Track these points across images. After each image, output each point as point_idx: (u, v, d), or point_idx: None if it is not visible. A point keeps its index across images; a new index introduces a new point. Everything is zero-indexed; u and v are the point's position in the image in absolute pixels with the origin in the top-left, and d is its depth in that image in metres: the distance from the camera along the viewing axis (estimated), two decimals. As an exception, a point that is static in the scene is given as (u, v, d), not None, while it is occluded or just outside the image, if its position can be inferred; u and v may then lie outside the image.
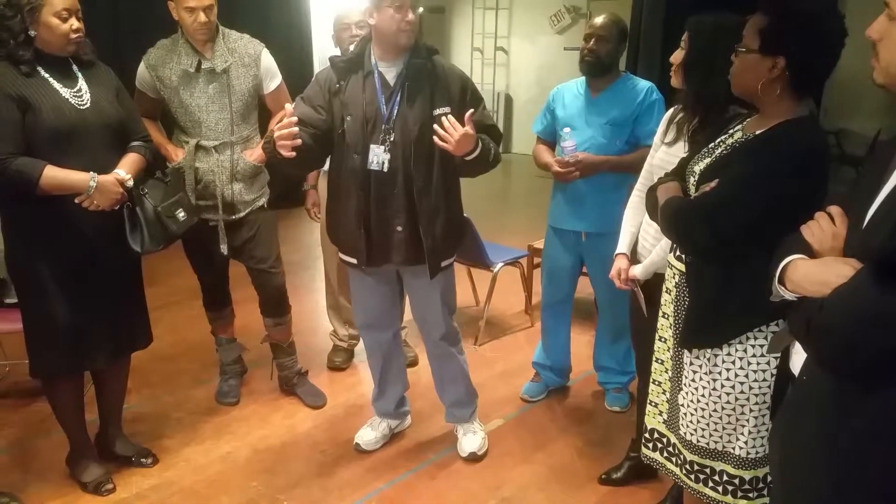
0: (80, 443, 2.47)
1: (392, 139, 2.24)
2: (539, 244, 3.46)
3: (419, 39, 2.30)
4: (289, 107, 2.16)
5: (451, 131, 2.14)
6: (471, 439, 2.70)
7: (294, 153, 2.14)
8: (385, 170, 2.25)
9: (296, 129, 2.11)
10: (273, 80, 2.75)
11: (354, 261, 2.41)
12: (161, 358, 3.28)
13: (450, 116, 2.16)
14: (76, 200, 2.11)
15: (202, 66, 2.56)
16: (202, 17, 2.48)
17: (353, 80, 2.28)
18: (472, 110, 2.21)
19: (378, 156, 2.25)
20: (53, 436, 2.59)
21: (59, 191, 2.08)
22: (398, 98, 2.26)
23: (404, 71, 2.26)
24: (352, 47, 2.88)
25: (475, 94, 2.38)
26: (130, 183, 2.21)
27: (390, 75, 2.28)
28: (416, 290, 2.51)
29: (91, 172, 2.11)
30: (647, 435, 1.95)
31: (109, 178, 2.15)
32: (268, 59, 2.73)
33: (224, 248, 2.73)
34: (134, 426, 2.76)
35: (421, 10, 2.25)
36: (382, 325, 2.62)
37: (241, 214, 2.74)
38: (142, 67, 2.63)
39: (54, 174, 2.04)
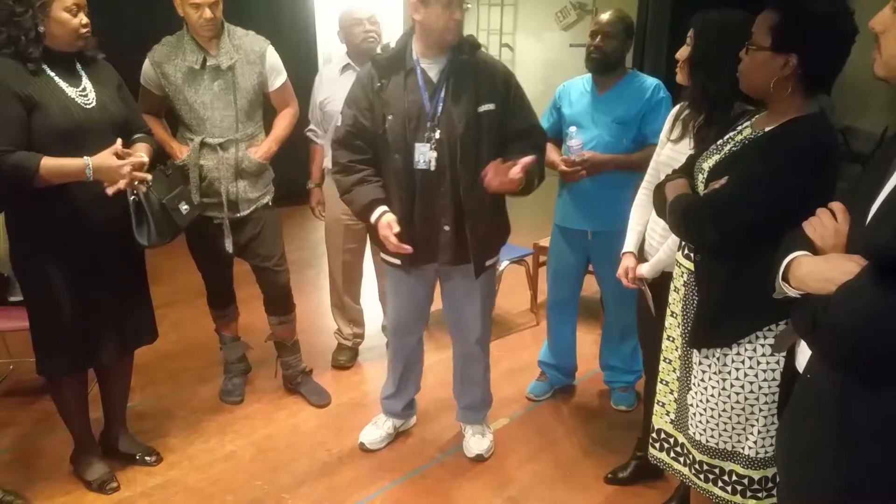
0: (85, 441, 2.47)
1: (437, 137, 2.21)
2: (545, 242, 3.44)
3: (461, 35, 2.27)
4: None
5: (501, 174, 2.10)
6: (479, 441, 2.69)
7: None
8: (432, 168, 2.22)
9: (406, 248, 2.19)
10: (278, 77, 2.74)
11: (398, 262, 2.37)
12: (165, 356, 3.28)
13: (495, 164, 2.12)
14: (108, 192, 2.08)
15: (207, 63, 2.55)
16: (207, 13, 2.47)
17: (395, 78, 2.24)
18: (530, 157, 2.13)
19: (424, 154, 2.21)
20: (58, 434, 2.59)
21: (58, 178, 2.04)
22: (442, 95, 2.22)
23: (447, 67, 2.23)
24: (371, 43, 2.89)
25: (518, 91, 2.33)
26: (146, 163, 2.18)
27: (433, 72, 2.24)
28: (456, 290, 2.48)
29: (84, 157, 2.06)
30: (654, 435, 1.93)
31: (102, 154, 2.08)
32: (273, 56, 2.71)
33: (229, 246, 2.72)
34: (138, 424, 2.76)
35: (468, 6, 2.21)
36: (411, 331, 2.61)
37: (246, 212, 2.73)
38: (147, 64, 2.61)
39: (51, 163, 2.02)
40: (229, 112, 2.61)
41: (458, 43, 2.24)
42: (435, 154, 2.21)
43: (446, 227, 2.28)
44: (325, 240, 3.33)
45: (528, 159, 2.12)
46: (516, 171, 2.10)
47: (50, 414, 2.59)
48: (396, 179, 2.26)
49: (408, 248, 2.20)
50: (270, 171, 2.82)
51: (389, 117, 2.23)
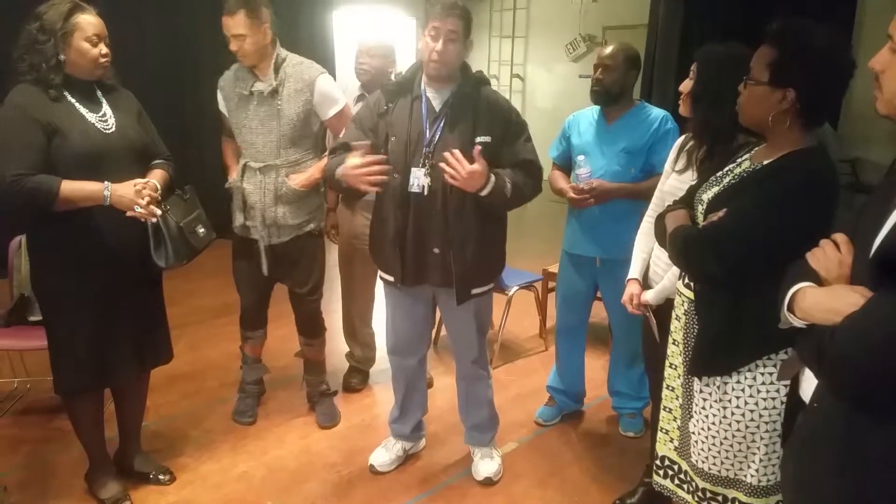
0: (99, 459, 2.50)
1: (432, 162, 2.28)
2: (554, 268, 3.48)
3: (467, 69, 2.35)
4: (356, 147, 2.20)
5: (458, 167, 2.13)
6: (487, 464, 2.71)
7: (378, 188, 2.23)
8: (425, 193, 2.29)
9: (380, 167, 2.20)
10: (332, 105, 2.75)
11: (392, 279, 2.45)
12: (179, 376, 3.33)
13: (455, 151, 2.15)
14: (128, 215, 2.13)
15: (253, 89, 2.65)
16: (234, 45, 2.58)
17: (401, 102, 2.34)
18: (478, 147, 2.19)
19: (419, 178, 2.29)
20: (73, 452, 2.64)
21: (78, 202, 2.10)
22: (441, 123, 2.30)
23: (450, 98, 2.31)
24: (361, 75, 3.00)
25: (517, 126, 2.36)
26: (159, 191, 2.24)
27: (437, 101, 2.33)
28: (450, 312, 2.53)
29: (105, 182, 2.12)
30: (658, 462, 1.95)
31: (124, 185, 2.14)
32: (325, 85, 2.72)
33: (265, 268, 2.78)
34: (152, 443, 2.80)
35: (471, 39, 2.30)
36: (410, 351, 2.65)
37: (286, 238, 2.77)
38: (218, 88, 2.77)
39: (70, 186, 2.07)
40: (272, 138, 2.68)
41: (465, 76, 2.32)
42: (429, 179, 2.28)
43: (435, 250, 2.34)
44: (337, 264, 3.40)
45: (477, 149, 2.16)
46: (475, 166, 2.13)
47: (66, 432, 2.64)
48: (392, 199, 2.34)
49: (366, 142, 2.25)
50: (318, 198, 2.84)
51: (392, 138, 2.32)
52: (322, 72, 2.74)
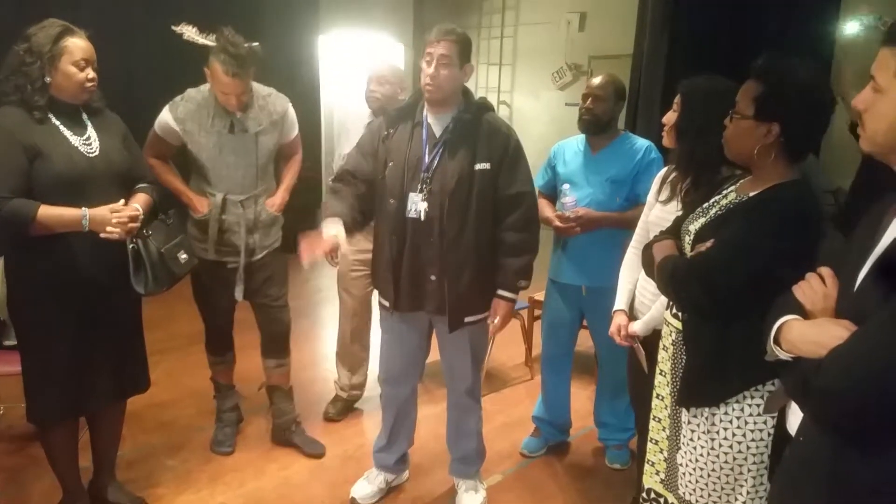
0: (73, 489, 2.44)
1: (429, 188, 2.28)
2: (539, 296, 3.47)
3: (469, 95, 2.37)
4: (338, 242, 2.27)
5: (493, 329, 2.44)
6: (472, 497, 2.66)
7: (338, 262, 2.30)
8: (422, 218, 2.29)
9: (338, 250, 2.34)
10: (292, 130, 2.83)
11: (387, 303, 2.44)
12: (156, 404, 3.26)
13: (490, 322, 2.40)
14: (101, 236, 2.10)
15: (235, 129, 2.63)
16: (234, 101, 2.55)
17: (402, 128, 2.35)
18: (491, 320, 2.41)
19: (416, 204, 2.29)
20: (46, 480, 2.56)
21: (55, 227, 2.07)
22: (441, 149, 2.30)
23: (451, 124, 2.32)
24: (371, 102, 3.02)
25: (515, 155, 2.35)
26: (141, 216, 2.21)
27: (437, 127, 2.33)
28: (446, 339, 2.51)
29: (83, 208, 2.09)
30: (644, 495, 1.93)
31: (101, 209, 2.12)
32: (292, 114, 2.81)
33: (239, 294, 2.76)
34: (127, 473, 2.73)
35: (470, 64, 2.31)
36: (403, 380, 2.62)
37: (259, 257, 2.79)
38: (168, 117, 2.63)
39: (48, 212, 2.04)
40: (251, 171, 2.69)
41: (467, 103, 2.33)
42: (426, 205, 2.28)
43: (432, 277, 2.33)
44: (336, 287, 3.37)
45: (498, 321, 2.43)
46: (497, 321, 2.41)
47: (39, 460, 2.56)
48: (389, 224, 2.34)
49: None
50: (281, 218, 2.89)
51: (391, 164, 2.32)
52: (287, 101, 2.81)
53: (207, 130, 2.62)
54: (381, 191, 2.36)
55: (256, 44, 2.57)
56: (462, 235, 2.28)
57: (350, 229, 2.31)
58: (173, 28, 2.60)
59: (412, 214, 2.30)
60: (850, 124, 1.99)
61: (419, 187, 2.28)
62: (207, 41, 2.56)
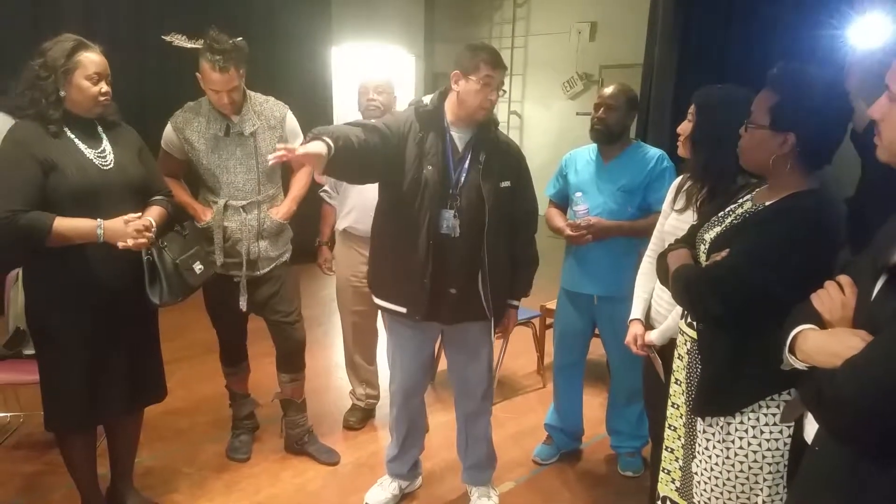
0: (91, 496, 2.46)
1: (458, 205, 2.29)
2: (551, 305, 3.47)
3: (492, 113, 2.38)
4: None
5: (504, 333, 2.64)
6: (485, 503, 2.67)
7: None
8: (455, 235, 2.29)
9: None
10: (297, 139, 2.82)
11: (404, 310, 2.39)
12: (173, 412, 3.29)
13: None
14: (120, 246, 2.12)
15: (231, 131, 2.66)
16: (225, 98, 2.58)
17: (432, 135, 2.29)
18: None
19: (448, 220, 2.28)
20: (64, 488, 2.59)
21: (71, 238, 2.09)
22: (466, 165, 2.31)
23: (473, 140, 2.32)
24: (372, 111, 3.01)
25: (527, 172, 2.50)
26: (154, 227, 2.23)
27: (460, 141, 2.33)
28: (461, 346, 2.52)
29: (98, 219, 2.12)
30: (659, 503, 1.93)
31: (115, 221, 2.14)
32: (292, 121, 2.82)
33: (243, 304, 2.77)
34: (145, 480, 2.75)
35: (504, 91, 2.32)
36: (416, 390, 2.63)
37: (265, 270, 2.79)
38: (169, 129, 2.70)
39: (63, 223, 2.07)
40: (252, 176, 2.71)
41: (486, 119, 2.34)
42: (458, 222, 2.29)
43: (452, 291, 2.34)
44: (335, 298, 3.39)
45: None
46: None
47: (58, 467, 2.59)
48: (418, 236, 2.28)
49: None
50: (289, 229, 2.90)
51: (429, 167, 2.27)
52: (287, 107, 2.83)
53: (204, 135, 2.66)
54: (409, 199, 2.27)
55: (241, 39, 2.58)
56: (498, 251, 2.35)
57: (333, 160, 2.04)
58: (163, 37, 2.64)
59: (445, 230, 2.29)
60: (849, 132, 1.99)
61: (449, 203, 2.29)
62: (195, 45, 2.59)
